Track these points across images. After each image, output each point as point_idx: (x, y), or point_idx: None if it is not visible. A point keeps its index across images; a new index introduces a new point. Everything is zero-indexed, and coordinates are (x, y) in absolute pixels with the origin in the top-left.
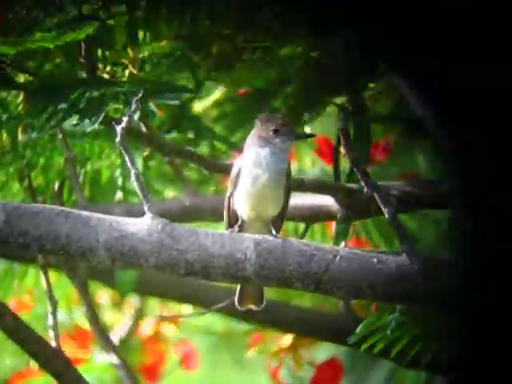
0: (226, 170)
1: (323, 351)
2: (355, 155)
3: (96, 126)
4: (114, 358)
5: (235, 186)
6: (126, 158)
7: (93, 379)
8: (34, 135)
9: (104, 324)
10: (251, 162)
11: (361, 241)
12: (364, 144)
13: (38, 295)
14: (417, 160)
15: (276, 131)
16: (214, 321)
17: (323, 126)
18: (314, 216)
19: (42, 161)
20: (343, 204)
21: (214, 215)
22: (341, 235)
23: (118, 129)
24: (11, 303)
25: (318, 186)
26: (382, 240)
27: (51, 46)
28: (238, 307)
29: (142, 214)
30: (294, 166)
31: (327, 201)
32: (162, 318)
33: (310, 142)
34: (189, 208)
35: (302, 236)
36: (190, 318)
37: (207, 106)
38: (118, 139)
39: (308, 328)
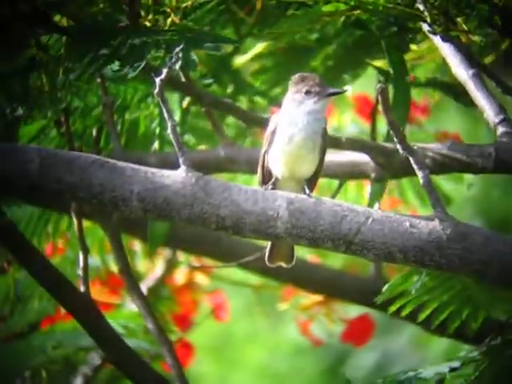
0: (263, 124)
1: (354, 309)
2: (393, 118)
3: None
4: (142, 308)
5: (270, 143)
6: (164, 110)
7: (121, 327)
8: (71, 76)
9: (136, 272)
10: (287, 121)
11: (394, 200)
12: (402, 107)
13: (71, 239)
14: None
15: (308, 92)
16: (247, 274)
17: (364, 84)
18: (349, 174)
19: (77, 102)
20: (379, 163)
21: (249, 166)
22: (375, 195)
23: (157, 80)
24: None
25: (354, 145)
26: (417, 201)
27: None
28: (268, 264)
29: (177, 163)
30: (333, 124)
31: (363, 159)
32: (195, 269)
33: (349, 100)
34: (224, 159)
35: (335, 194)
36: (222, 269)
37: (247, 61)
38: (156, 91)
39: (337, 289)
